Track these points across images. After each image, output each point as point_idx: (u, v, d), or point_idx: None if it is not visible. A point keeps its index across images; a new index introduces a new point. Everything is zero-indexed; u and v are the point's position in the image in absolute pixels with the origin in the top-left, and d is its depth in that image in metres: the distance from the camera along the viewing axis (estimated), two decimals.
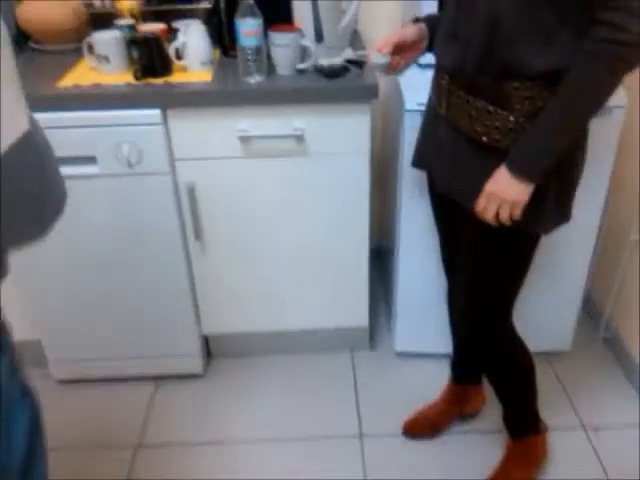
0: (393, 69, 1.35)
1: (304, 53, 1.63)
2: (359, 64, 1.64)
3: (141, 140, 1.58)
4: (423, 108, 1.61)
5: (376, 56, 1.30)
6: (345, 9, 1.65)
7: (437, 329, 1.95)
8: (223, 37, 1.77)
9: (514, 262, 1.30)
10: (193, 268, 1.82)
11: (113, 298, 1.82)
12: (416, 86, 1.64)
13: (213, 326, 1.96)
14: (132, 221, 1.69)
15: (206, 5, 1.78)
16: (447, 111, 1.25)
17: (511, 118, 1.14)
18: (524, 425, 1.60)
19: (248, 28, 1.52)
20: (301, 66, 1.63)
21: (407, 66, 1.39)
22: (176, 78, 1.61)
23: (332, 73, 1.60)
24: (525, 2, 1.05)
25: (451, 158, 1.28)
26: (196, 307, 1.89)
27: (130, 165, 1.60)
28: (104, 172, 1.61)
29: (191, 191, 1.67)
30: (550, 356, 2.03)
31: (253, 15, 1.53)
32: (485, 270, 1.31)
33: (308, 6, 1.59)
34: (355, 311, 1.97)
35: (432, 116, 1.34)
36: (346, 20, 1.66)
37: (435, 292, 1.86)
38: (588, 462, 1.70)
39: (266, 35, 1.58)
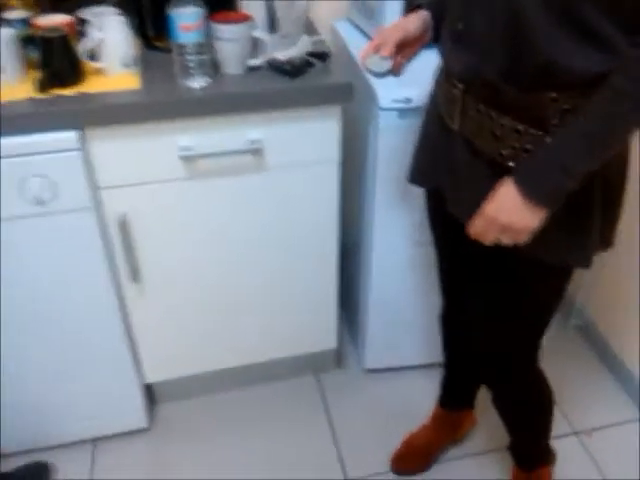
0: (393, 72, 1.07)
1: (255, 46, 1.31)
2: (322, 56, 1.34)
3: (53, 171, 1.21)
4: (399, 105, 1.36)
5: (374, 61, 1.02)
6: None
7: (410, 340, 1.79)
8: (145, 25, 1.40)
9: (549, 297, 1.10)
10: (130, 313, 1.49)
11: (34, 359, 1.46)
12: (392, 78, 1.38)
13: (158, 373, 1.65)
14: (51, 271, 1.33)
15: None
16: (461, 126, 1.01)
17: (547, 139, 0.90)
18: (535, 457, 1.44)
19: (187, 21, 1.18)
20: (254, 62, 1.31)
21: (408, 64, 1.12)
22: (93, 86, 1.24)
23: (293, 70, 1.29)
24: None
25: (470, 184, 1.03)
26: (135, 356, 1.57)
27: (41, 203, 1.23)
28: (5, 216, 1.23)
29: (123, 225, 1.33)
30: None
31: (192, 3, 1.18)
32: (516, 305, 1.10)
33: None
34: (323, 335, 1.72)
35: (439, 127, 1.08)
36: (301, 3, 1.35)
37: (407, 301, 1.69)
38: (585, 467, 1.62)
39: (207, 26, 1.24)
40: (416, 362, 1.85)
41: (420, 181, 1.21)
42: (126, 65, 1.27)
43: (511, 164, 0.93)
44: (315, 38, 1.42)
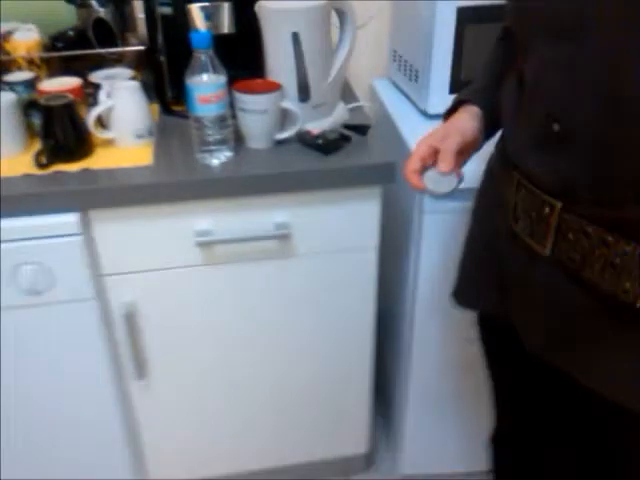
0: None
1: (284, 117, 1.15)
2: (362, 129, 1.18)
3: (51, 258, 1.06)
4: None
5: (434, 178, 0.82)
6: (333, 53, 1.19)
7: (453, 445, 1.56)
8: (162, 87, 1.26)
9: None
10: (136, 409, 1.31)
11: (28, 458, 1.29)
12: None
13: (164, 474, 1.45)
14: (47, 367, 1.17)
15: (137, 48, 1.26)
16: (555, 252, 0.78)
17: None
18: None
19: (206, 92, 1.03)
20: (282, 136, 1.15)
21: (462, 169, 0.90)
22: (100, 161, 1.09)
23: (326, 145, 1.13)
24: None
25: (569, 321, 0.80)
26: (140, 457, 1.38)
27: (36, 294, 1.08)
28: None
29: (128, 317, 1.16)
30: None
31: (213, 71, 1.03)
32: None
33: (287, 52, 1.11)
34: (352, 438, 1.51)
35: (509, 243, 0.87)
36: (336, 69, 1.19)
37: (450, 401, 1.47)
38: None
39: (229, 94, 1.09)
40: (457, 469, 1.62)
41: (467, 300, 1.01)
42: (139, 136, 1.13)
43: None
44: (353, 105, 1.26)
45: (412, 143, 1.25)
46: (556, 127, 0.72)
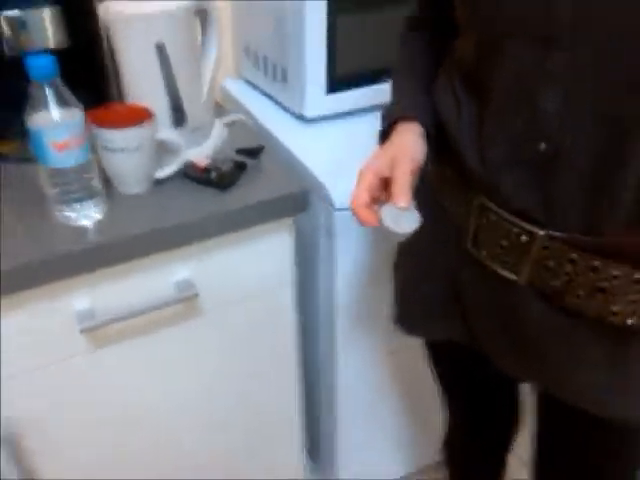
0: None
1: (159, 148, 0.92)
2: (254, 152, 0.99)
3: None
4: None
5: (392, 215, 0.65)
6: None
7: (381, 456, 1.47)
8: None
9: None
10: None
11: None
12: (338, 162, 1.06)
13: None
14: None
15: None
16: (531, 280, 0.69)
17: None
18: None
19: (62, 137, 0.77)
20: (163, 174, 0.92)
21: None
22: None
23: (222, 180, 0.92)
24: None
25: (544, 341, 0.73)
26: None
27: None
28: None
29: (11, 439, 0.87)
30: None
31: (63, 105, 0.77)
32: (600, 474, 0.84)
33: (151, 68, 0.88)
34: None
35: (468, 269, 0.77)
36: (207, 81, 0.99)
37: (376, 418, 1.37)
38: None
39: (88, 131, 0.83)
40: (392, 476, 1.54)
41: (421, 331, 0.91)
42: None
43: (630, 322, 0.64)
44: (228, 119, 1.06)
45: (303, 158, 1.10)
46: (542, 146, 0.61)
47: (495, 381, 0.96)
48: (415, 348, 1.04)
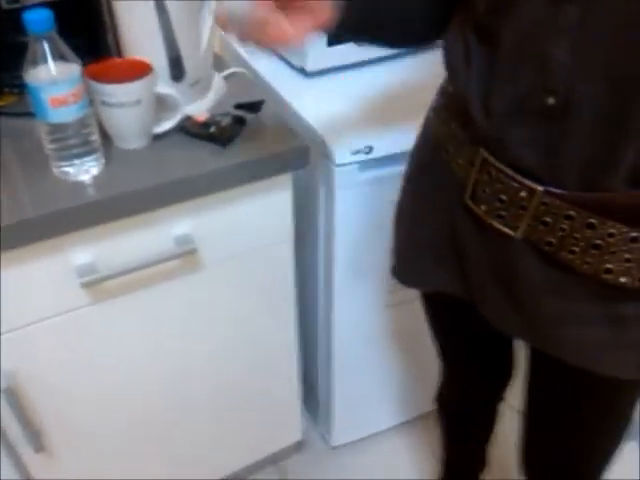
0: (271, 37, 0.62)
1: (158, 103, 0.92)
2: (254, 106, 0.99)
3: None
4: (360, 157, 1.04)
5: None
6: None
7: (379, 405, 1.52)
8: None
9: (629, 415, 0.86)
10: None
11: None
12: (340, 115, 1.06)
13: None
14: None
15: None
16: (527, 235, 0.70)
17: None
18: None
19: (60, 91, 0.77)
20: (162, 129, 0.92)
21: (297, 40, 0.63)
22: None
23: (222, 135, 0.92)
24: None
25: (537, 298, 0.74)
26: None
27: None
28: None
29: (11, 391, 0.90)
30: None
31: (60, 59, 0.77)
32: (589, 427, 0.86)
33: (149, 18, 0.87)
34: (286, 431, 1.40)
35: (466, 223, 0.78)
36: (207, 30, 0.97)
37: (372, 367, 1.41)
38: None
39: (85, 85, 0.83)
40: (386, 426, 1.59)
41: (418, 282, 0.92)
42: None
43: (623, 280, 0.66)
44: (227, 72, 1.05)
45: (304, 113, 1.09)
46: (550, 101, 0.61)
47: (490, 334, 0.98)
48: (412, 302, 1.06)
